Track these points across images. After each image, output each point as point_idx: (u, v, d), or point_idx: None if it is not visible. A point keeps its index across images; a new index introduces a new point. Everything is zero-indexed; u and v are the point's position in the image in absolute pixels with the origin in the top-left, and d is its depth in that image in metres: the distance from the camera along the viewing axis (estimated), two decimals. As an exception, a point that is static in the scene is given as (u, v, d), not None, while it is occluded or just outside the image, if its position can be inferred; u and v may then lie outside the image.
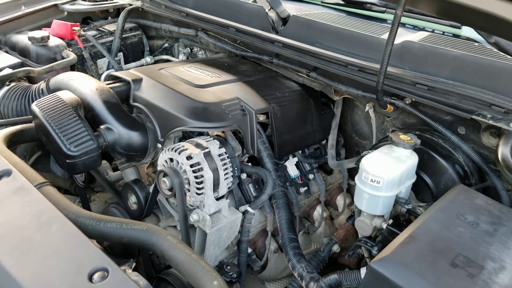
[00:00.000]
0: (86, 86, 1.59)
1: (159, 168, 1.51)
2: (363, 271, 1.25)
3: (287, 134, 1.69)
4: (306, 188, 1.81)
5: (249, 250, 1.65)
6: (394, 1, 1.37)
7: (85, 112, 1.53)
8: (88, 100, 1.55)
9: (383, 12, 1.77)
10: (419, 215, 1.37)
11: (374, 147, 1.62)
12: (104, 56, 2.33)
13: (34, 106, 1.48)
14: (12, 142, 1.48)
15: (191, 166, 1.41)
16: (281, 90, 1.76)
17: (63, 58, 2.10)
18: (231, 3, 2.01)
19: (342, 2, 1.86)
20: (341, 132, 1.96)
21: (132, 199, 1.60)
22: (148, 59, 2.42)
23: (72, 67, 2.14)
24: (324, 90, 1.80)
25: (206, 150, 1.46)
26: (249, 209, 1.55)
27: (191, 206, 1.46)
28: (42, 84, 1.74)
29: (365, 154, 1.49)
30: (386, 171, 1.30)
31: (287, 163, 1.76)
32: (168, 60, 2.48)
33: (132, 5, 2.40)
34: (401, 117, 1.68)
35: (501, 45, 1.49)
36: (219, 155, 1.48)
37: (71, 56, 2.07)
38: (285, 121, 1.68)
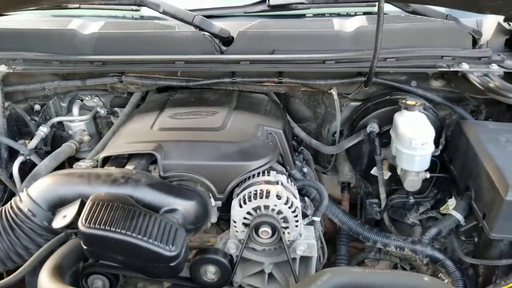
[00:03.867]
0: (109, 179, 1.30)
1: (239, 223, 1.40)
2: (453, 212, 1.53)
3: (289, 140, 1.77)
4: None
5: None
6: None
7: (134, 207, 1.27)
8: (129, 192, 1.28)
9: (308, 8, 1.96)
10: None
11: (363, 121, 1.86)
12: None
13: (89, 230, 1.14)
14: (62, 273, 1.15)
15: (285, 203, 1.37)
16: (263, 104, 1.79)
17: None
18: (156, 36, 1.84)
19: (266, 8, 1.95)
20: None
21: (211, 270, 1.43)
22: (44, 129, 1.96)
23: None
24: (291, 91, 1.92)
25: (280, 184, 1.43)
26: (315, 218, 1.60)
27: (289, 242, 1.43)
28: (20, 204, 1.30)
29: (371, 127, 1.74)
30: (428, 132, 1.58)
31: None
32: (60, 123, 2.07)
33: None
34: (362, 90, 1.95)
35: (418, 11, 1.92)
36: (287, 182, 1.47)
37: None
38: (285, 129, 1.75)
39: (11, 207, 1.32)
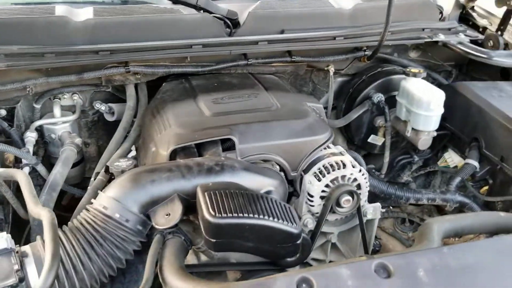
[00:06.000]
0: (203, 169, 1.22)
1: (316, 197, 1.42)
2: (470, 161, 1.76)
3: None
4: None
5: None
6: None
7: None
8: (228, 179, 1.22)
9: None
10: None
11: (364, 93, 2.00)
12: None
13: (221, 220, 1.06)
14: (187, 274, 1.08)
15: (359, 171, 1.44)
16: (281, 84, 1.81)
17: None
18: (163, 21, 1.71)
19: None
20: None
21: (292, 248, 1.43)
22: (32, 134, 1.68)
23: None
24: (297, 70, 1.95)
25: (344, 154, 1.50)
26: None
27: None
28: (107, 211, 1.14)
29: (378, 97, 1.90)
30: (441, 94, 1.78)
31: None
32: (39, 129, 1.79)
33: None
34: (354, 65, 2.09)
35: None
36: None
37: None
38: None
39: (94, 216, 1.15)
